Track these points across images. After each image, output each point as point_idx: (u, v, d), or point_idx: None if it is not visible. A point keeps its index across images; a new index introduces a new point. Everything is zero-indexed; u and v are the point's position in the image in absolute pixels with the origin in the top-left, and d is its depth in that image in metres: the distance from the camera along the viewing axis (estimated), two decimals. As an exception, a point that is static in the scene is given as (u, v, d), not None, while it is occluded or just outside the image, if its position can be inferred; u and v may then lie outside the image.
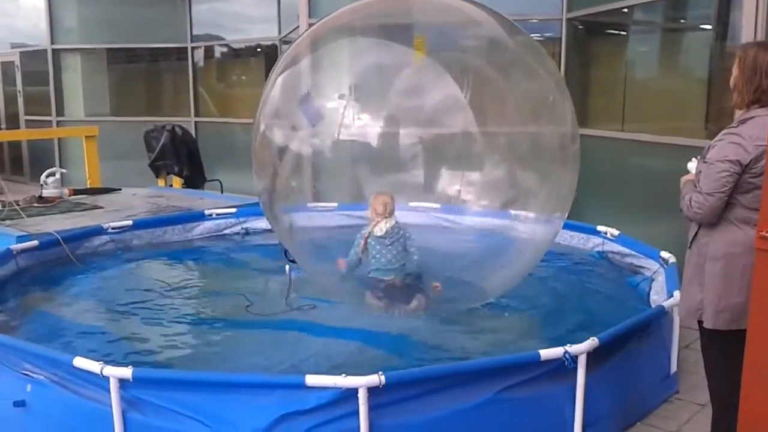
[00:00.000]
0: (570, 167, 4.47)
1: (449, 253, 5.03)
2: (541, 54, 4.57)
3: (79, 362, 3.27)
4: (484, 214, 4.98)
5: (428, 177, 4.98)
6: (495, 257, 4.77)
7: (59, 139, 12.57)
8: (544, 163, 4.57)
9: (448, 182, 4.99)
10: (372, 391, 3.03)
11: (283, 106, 4.87)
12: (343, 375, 3.04)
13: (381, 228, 4.58)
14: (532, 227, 4.64)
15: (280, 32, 10.53)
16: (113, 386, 3.16)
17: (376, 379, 3.02)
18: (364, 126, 4.62)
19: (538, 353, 3.32)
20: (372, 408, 3.05)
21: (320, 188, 5.38)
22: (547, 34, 8.30)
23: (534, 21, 8.28)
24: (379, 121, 4.61)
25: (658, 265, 5.02)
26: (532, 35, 8.36)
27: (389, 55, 4.79)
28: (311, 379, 3.05)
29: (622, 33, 7.58)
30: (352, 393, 3.03)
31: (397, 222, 4.64)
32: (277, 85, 4.71)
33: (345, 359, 3.95)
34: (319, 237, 5.20)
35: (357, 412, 3.03)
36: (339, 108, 4.63)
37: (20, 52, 13.51)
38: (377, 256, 4.62)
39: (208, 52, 12.31)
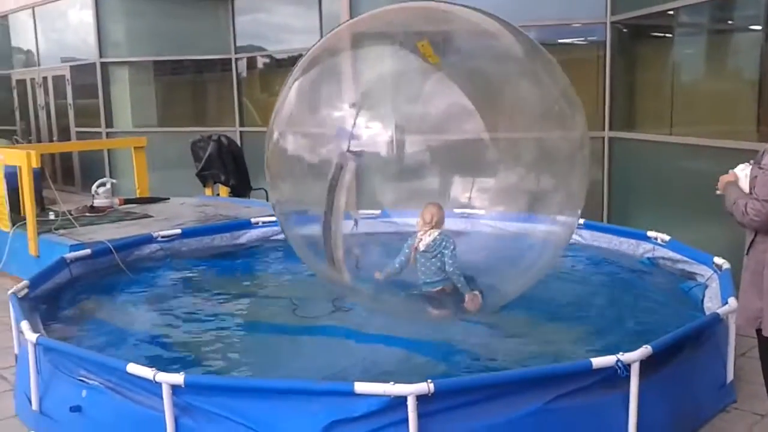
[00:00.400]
0: (580, 170, 4.61)
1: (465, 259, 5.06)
2: (551, 63, 4.64)
3: (133, 368, 3.33)
4: (495, 219, 5.20)
5: (442, 183, 5.17)
6: (510, 261, 4.87)
7: (109, 149, 12.85)
8: (556, 167, 4.69)
9: (462, 188, 5.19)
10: (421, 398, 3.02)
11: (297, 114, 5.01)
12: (392, 383, 3.03)
13: (423, 243, 4.64)
14: (546, 230, 4.76)
15: (322, 42, 10.61)
16: (166, 392, 3.21)
17: (425, 387, 3.01)
18: (376, 134, 4.80)
19: (590, 361, 3.27)
20: (421, 416, 3.03)
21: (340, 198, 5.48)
22: (590, 38, 8.21)
23: (577, 25, 8.20)
24: (391, 129, 4.78)
25: (712, 271, 4.90)
26: (575, 39, 8.35)
27: (403, 63, 4.95)
28: (360, 387, 3.05)
29: (668, 35, 7.44)
30: (401, 401, 3.02)
31: (441, 233, 4.65)
32: (291, 93, 4.88)
33: (392, 366, 3.95)
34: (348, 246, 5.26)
35: (406, 420, 3.02)
36: (351, 117, 4.77)
37: (70, 66, 13.86)
38: (422, 269, 4.69)
39: (252, 62, 12.45)
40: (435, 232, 4.63)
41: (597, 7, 7.80)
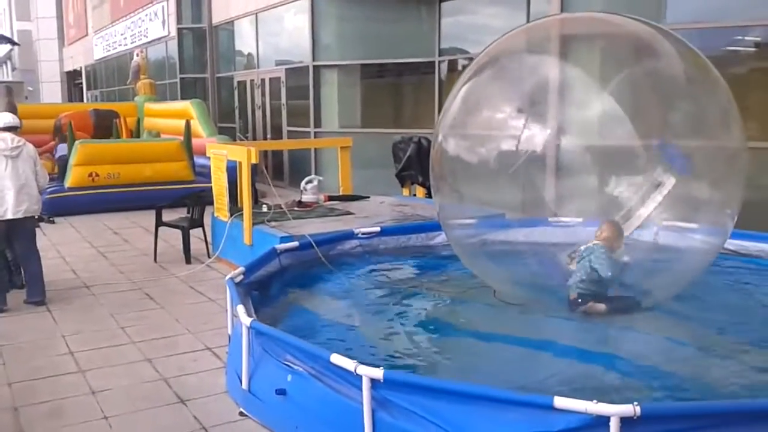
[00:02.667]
0: (737, 179, 4.73)
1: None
2: (711, 75, 4.68)
3: (336, 359, 3.45)
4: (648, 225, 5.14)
5: (595, 190, 5.27)
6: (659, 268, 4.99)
7: (315, 148, 13.58)
8: (715, 175, 4.82)
9: (614, 194, 5.17)
10: (625, 421, 2.84)
11: (460, 117, 5.27)
12: (595, 401, 2.89)
13: (580, 249, 4.90)
14: (701, 238, 4.92)
15: (527, 43, 10.41)
16: (365, 385, 3.29)
17: (630, 409, 2.83)
18: (540, 138, 5.03)
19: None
20: (623, 440, 2.86)
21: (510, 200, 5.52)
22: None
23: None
24: (554, 134, 5.03)
25: None
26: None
27: (566, 69, 5.11)
28: (560, 402, 2.94)
29: None
30: (602, 421, 2.86)
31: (596, 244, 4.78)
32: (458, 97, 5.11)
33: (590, 383, 3.79)
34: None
35: (607, 442, 2.86)
36: (520, 121, 5.03)
37: (285, 69, 14.82)
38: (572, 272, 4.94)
39: (452, 65, 12.52)
40: (590, 244, 4.82)
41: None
